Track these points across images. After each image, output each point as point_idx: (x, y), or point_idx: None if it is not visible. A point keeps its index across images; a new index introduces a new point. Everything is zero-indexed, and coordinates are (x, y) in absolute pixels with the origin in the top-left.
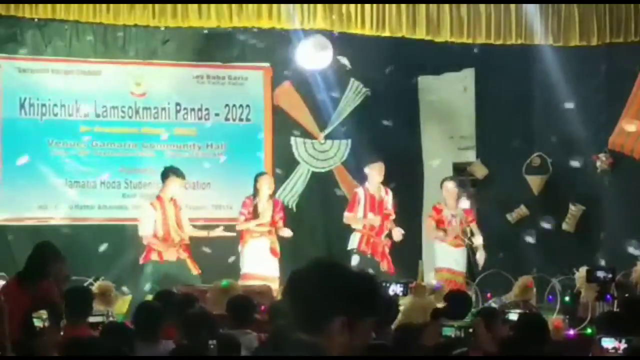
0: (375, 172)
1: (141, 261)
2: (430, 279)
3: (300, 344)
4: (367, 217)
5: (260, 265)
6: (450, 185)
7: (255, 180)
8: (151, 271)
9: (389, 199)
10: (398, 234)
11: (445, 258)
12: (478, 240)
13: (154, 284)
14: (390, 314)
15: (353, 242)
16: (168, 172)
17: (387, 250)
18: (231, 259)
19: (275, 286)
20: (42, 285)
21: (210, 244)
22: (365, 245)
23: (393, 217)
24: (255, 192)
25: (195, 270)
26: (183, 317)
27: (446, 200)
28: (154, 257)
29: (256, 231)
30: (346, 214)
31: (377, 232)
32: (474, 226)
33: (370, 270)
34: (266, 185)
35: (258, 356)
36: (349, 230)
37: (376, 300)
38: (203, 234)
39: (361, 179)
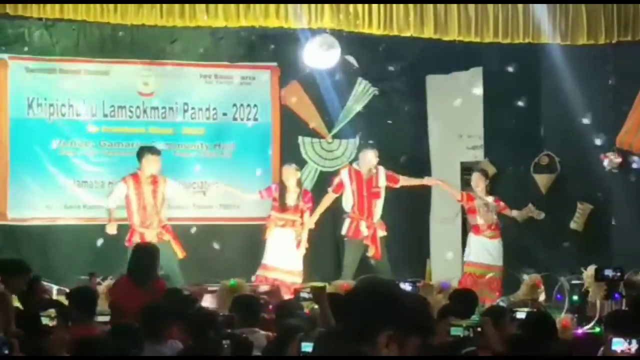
0: (368, 155)
1: (126, 244)
2: (456, 271)
3: (349, 350)
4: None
5: (283, 258)
6: (475, 176)
7: (280, 173)
8: None
9: (380, 175)
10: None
11: (479, 251)
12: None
13: None
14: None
15: (344, 227)
16: (143, 151)
17: (379, 234)
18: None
19: (298, 280)
20: (156, 284)
21: (219, 240)
22: (354, 230)
23: (398, 185)
24: (282, 183)
25: (180, 254)
26: (188, 317)
27: (476, 192)
28: (136, 238)
29: (282, 219)
30: (331, 193)
31: (367, 215)
32: (508, 212)
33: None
34: (288, 176)
35: (271, 356)
36: None
37: (422, 321)
38: None
39: None
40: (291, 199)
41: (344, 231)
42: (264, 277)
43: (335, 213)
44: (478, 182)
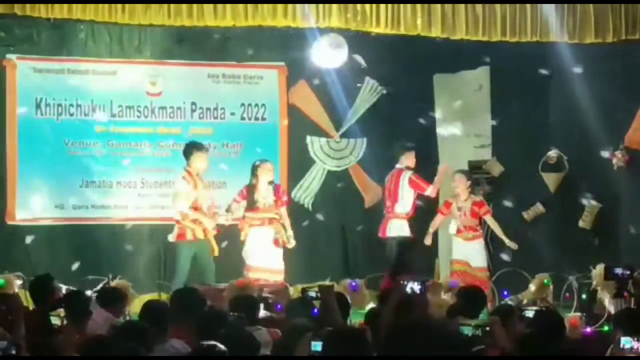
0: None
1: (172, 239)
2: (446, 272)
3: None
4: None
5: (263, 257)
6: (457, 177)
7: (255, 168)
8: (185, 252)
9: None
10: None
11: (458, 252)
12: (498, 232)
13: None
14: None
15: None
16: (191, 148)
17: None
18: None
19: (280, 278)
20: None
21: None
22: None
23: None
24: (254, 180)
25: (216, 251)
26: (197, 317)
27: (457, 194)
28: (189, 235)
29: (257, 218)
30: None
31: None
32: (488, 218)
33: None
34: (265, 174)
35: (280, 356)
36: (364, 228)
37: None
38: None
39: (379, 177)
40: (264, 196)
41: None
42: (248, 278)
43: (341, 214)
44: (459, 183)
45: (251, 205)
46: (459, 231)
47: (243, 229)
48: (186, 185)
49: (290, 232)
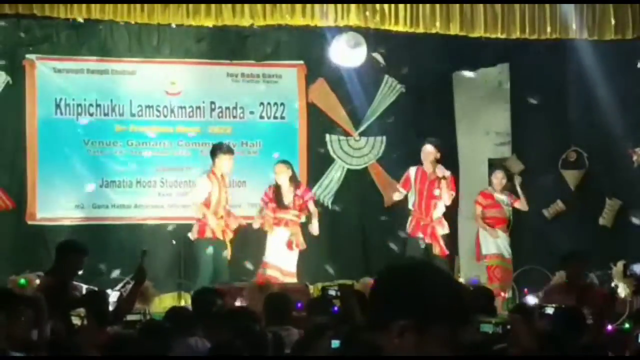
0: (427, 149)
1: (195, 235)
2: (473, 266)
3: (364, 341)
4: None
5: (278, 257)
6: (500, 174)
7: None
8: (208, 249)
9: (443, 184)
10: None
11: (494, 244)
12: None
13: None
14: None
15: (408, 225)
16: (215, 150)
17: (438, 232)
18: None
19: (293, 280)
20: None
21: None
22: (412, 229)
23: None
24: (276, 182)
25: (229, 253)
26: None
27: (495, 189)
28: (209, 233)
29: (277, 218)
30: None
31: (425, 213)
32: (517, 204)
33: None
34: (280, 174)
35: (297, 355)
36: (384, 226)
37: (450, 308)
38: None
39: (399, 175)
40: (286, 197)
41: (408, 229)
42: (265, 277)
43: (361, 212)
44: (502, 180)
45: (279, 206)
46: (497, 224)
47: (263, 226)
48: (208, 182)
49: (315, 223)
